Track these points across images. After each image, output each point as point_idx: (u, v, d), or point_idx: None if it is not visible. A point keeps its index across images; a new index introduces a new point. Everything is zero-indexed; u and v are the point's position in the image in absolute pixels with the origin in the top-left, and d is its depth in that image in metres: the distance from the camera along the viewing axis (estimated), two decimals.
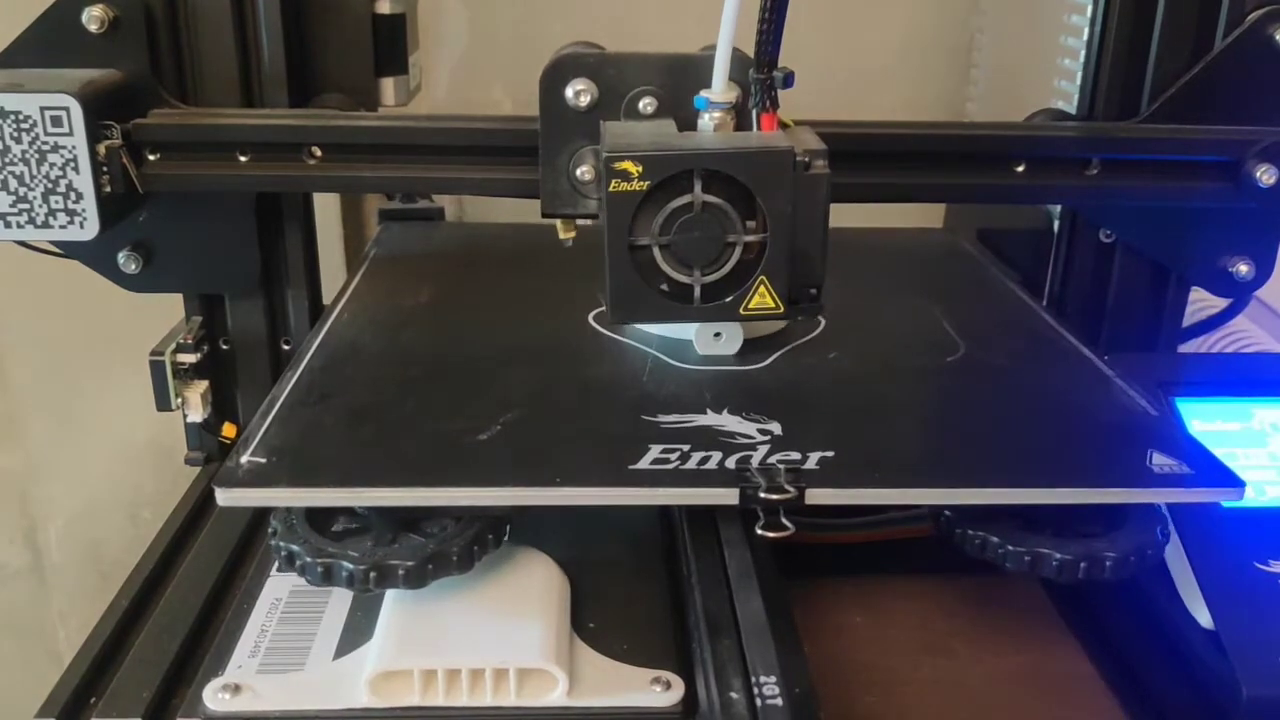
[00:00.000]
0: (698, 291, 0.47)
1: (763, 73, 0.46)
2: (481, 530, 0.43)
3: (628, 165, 0.45)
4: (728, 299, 0.47)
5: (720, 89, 0.48)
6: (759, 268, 0.47)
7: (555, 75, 0.51)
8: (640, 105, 0.51)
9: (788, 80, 0.47)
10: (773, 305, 0.47)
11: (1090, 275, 0.65)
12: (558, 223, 0.54)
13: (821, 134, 0.48)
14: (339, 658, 0.44)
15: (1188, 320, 0.66)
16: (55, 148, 0.50)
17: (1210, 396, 0.55)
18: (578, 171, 0.52)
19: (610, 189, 0.45)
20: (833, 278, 0.48)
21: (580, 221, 0.54)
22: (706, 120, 0.48)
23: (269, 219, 0.61)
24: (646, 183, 0.45)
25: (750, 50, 0.47)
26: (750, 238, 0.46)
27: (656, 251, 0.46)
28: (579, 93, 0.51)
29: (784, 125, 0.48)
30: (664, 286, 0.47)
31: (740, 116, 0.49)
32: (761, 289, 0.47)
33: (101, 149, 0.51)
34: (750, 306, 0.47)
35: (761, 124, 0.47)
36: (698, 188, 0.45)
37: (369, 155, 0.55)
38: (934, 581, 0.54)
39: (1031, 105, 0.65)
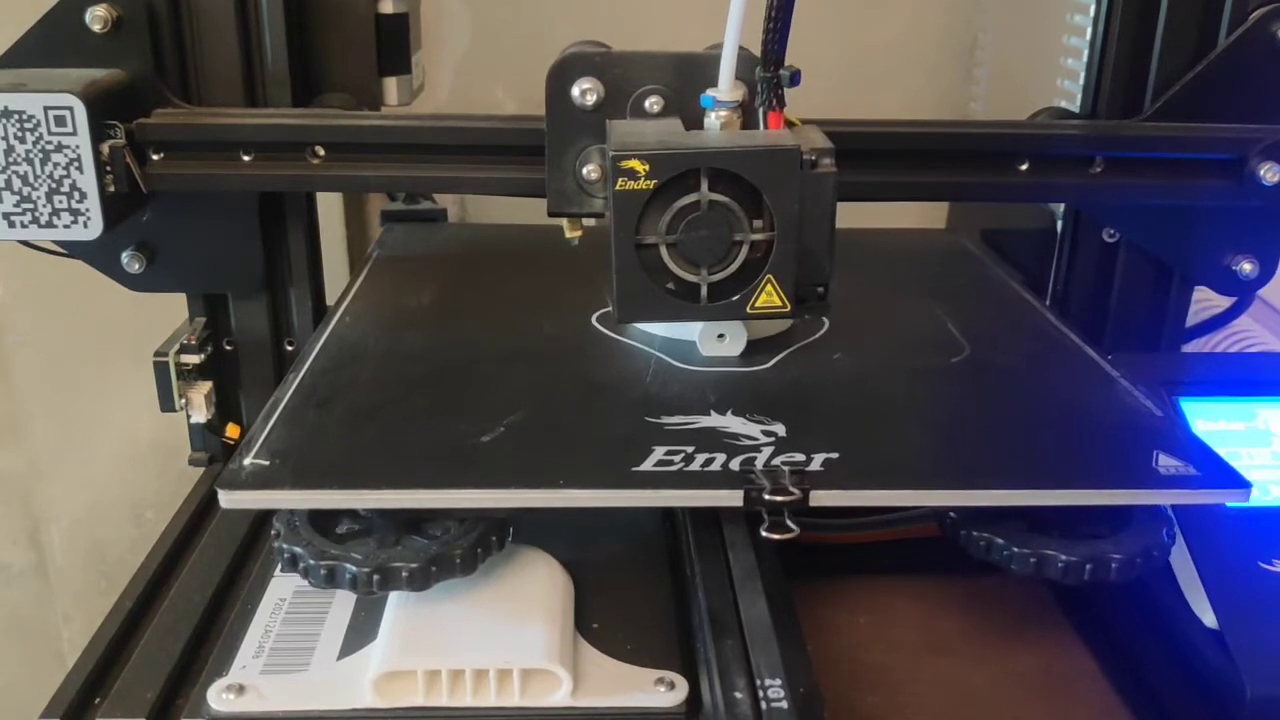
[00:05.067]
0: (704, 290, 0.47)
1: (769, 71, 0.46)
2: (485, 532, 0.43)
3: (634, 164, 0.45)
4: (735, 298, 0.47)
5: (727, 88, 0.48)
6: (766, 266, 0.47)
7: (561, 74, 0.51)
8: (646, 104, 0.51)
9: (794, 79, 0.47)
10: (780, 304, 0.47)
11: (1093, 275, 0.65)
12: (564, 222, 0.54)
13: (824, 133, 0.48)
14: (343, 658, 0.44)
15: (1191, 320, 0.66)
16: (59, 147, 0.50)
17: (1214, 396, 0.55)
18: (584, 170, 0.52)
19: (617, 187, 0.45)
20: (836, 278, 0.48)
21: (586, 221, 0.54)
22: (713, 119, 0.48)
23: (272, 219, 0.61)
24: (653, 181, 0.45)
25: (755, 49, 0.47)
26: (757, 236, 0.46)
27: (663, 250, 0.46)
28: (585, 91, 0.51)
29: (790, 124, 0.48)
30: (670, 285, 0.47)
31: (747, 115, 0.49)
32: (769, 288, 0.47)
33: (105, 149, 0.51)
34: (757, 305, 0.47)
35: (768, 122, 0.47)
36: (704, 186, 0.45)
37: (372, 155, 0.55)
38: (938, 581, 0.54)
39: (1035, 104, 0.65)
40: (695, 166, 0.45)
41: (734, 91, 0.48)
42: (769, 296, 0.47)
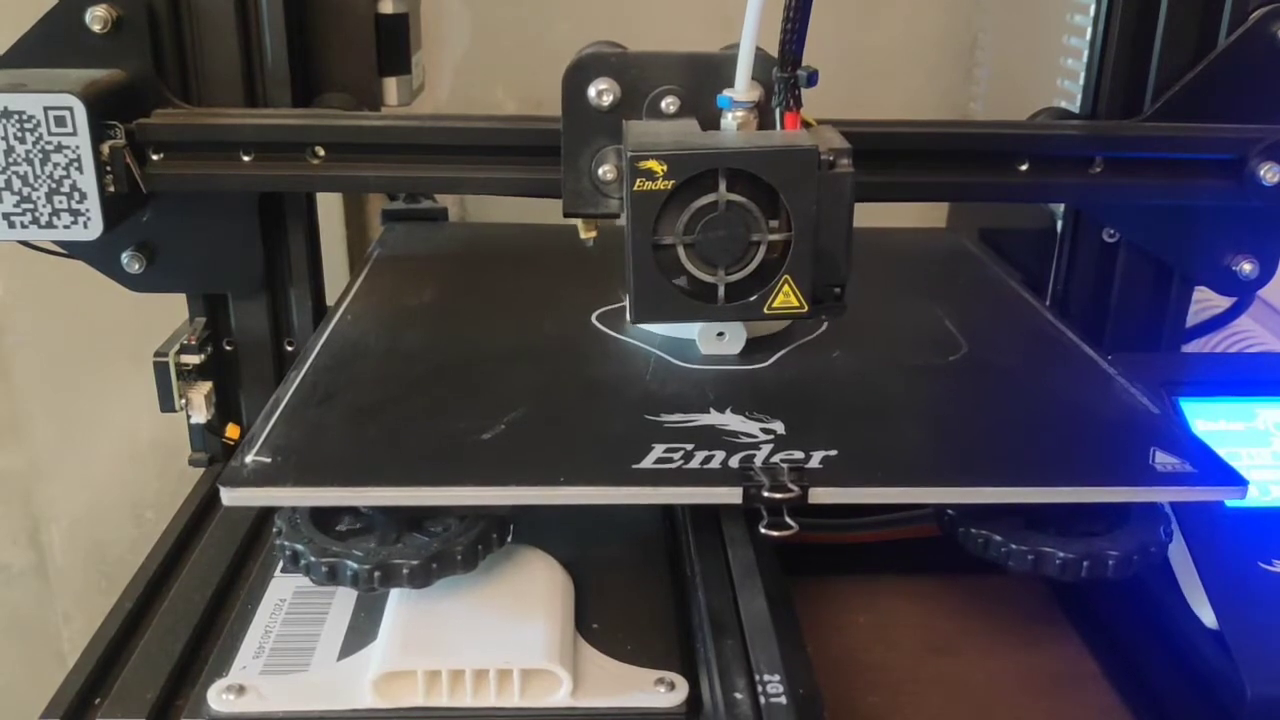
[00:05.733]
0: (722, 291, 0.47)
1: (786, 71, 0.46)
2: (485, 530, 0.43)
3: (652, 164, 0.45)
4: (752, 298, 0.47)
5: (743, 88, 0.48)
6: (783, 267, 0.46)
7: (578, 75, 0.51)
8: (662, 104, 0.51)
9: (811, 79, 0.46)
10: (797, 304, 0.47)
11: (1093, 275, 0.65)
12: (579, 222, 0.54)
13: None
14: (343, 658, 0.44)
15: (1191, 320, 0.66)
16: (59, 148, 0.50)
17: (1214, 396, 0.55)
18: (600, 171, 0.52)
19: (634, 188, 0.45)
20: None
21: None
22: (729, 119, 0.48)
23: (272, 219, 0.61)
24: (671, 182, 0.45)
25: (768, 49, 0.47)
26: (774, 236, 0.46)
27: (680, 251, 0.46)
28: (601, 92, 0.51)
29: (806, 124, 0.48)
30: (687, 286, 0.47)
31: (763, 115, 0.49)
32: (786, 288, 0.47)
33: (105, 149, 0.51)
34: (774, 306, 0.47)
35: (785, 123, 0.47)
36: (722, 186, 0.45)
37: (372, 155, 0.55)
38: (938, 581, 0.54)
39: (1035, 104, 0.65)
40: (713, 167, 0.45)
41: (750, 92, 0.48)
42: (786, 297, 0.47)
